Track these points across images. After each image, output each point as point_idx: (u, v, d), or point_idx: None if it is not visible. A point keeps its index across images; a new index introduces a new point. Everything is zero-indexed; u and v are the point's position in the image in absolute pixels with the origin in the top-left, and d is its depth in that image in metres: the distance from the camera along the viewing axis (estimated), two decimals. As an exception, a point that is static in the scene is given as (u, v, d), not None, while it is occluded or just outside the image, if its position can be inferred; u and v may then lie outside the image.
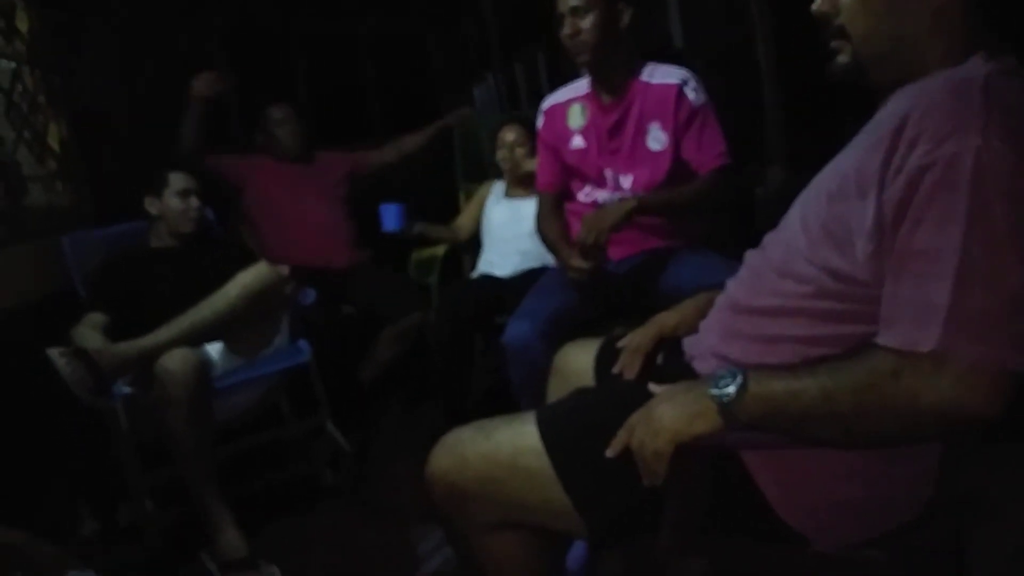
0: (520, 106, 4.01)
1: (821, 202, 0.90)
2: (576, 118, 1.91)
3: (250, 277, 1.91)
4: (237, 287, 1.89)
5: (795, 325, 0.90)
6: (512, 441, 1.01)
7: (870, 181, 0.80)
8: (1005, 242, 0.71)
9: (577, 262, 1.70)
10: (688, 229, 1.95)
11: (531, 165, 2.43)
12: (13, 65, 2.33)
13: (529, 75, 4.03)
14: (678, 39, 2.65)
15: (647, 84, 1.82)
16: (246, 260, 2.02)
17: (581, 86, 1.92)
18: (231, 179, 2.70)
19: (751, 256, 1.05)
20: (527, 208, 2.37)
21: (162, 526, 1.92)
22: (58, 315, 1.98)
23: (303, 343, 2.14)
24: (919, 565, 0.94)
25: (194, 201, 2.13)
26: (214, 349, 1.96)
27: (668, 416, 0.88)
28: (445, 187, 3.17)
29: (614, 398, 1.05)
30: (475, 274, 2.55)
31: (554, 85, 2.07)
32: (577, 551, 1.42)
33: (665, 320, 1.24)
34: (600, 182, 1.90)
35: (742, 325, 0.98)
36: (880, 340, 0.78)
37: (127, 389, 1.87)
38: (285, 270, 2.03)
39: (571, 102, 1.93)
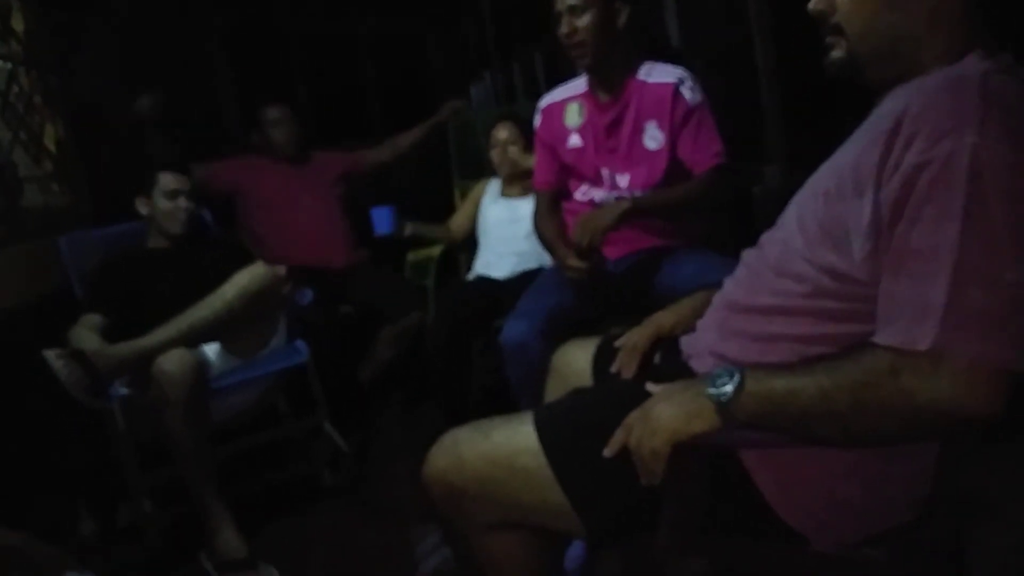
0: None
1: (818, 201, 0.90)
2: (573, 117, 1.91)
3: (247, 277, 1.91)
4: (234, 287, 1.89)
5: (793, 324, 0.90)
6: (510, 441, 1.01)
7: (867, 179, 0.80)
8: (1002, 240, 0.71)
9: (574, 262, 1.70)
10: (686, 228, 1.95)
11: (526, 162, 2.41)
12: (9, 66, 2.33)
13: (526, 74, 4.03)
14: (676, 39, 2.65)
15: (644, 83, 1.81)
16: (243, 260, 2.02)
17: (578, 85, 1.92)
18: (219, 186, 2.68)
19: (748, 255, 1.04)
20: (524, 208, 2.36)
21: (161, 526, 1.92)
22: (55, 316, 1.97)
23: (301, 343, 2.13)
24: (918, 564, 0.94)
25: (183, 202, 2.10)
26: (211, 350, 1.96)
27: (666, 415, 0.88)
28: (440, 184, 3.17)
29: (612, 397, 1.05)
30: (471, 275, 2.53)
31: (551, 84, 2.07)
32: (575, 551, 1.42)
33: (663, 319, 1.25)
34: (597, 181, 1.90)
35: (740, 324, 0.98)
36: (878, 339, 0.77)
37: (124, 390, 1.86)
38: (282, 270, 2.02)
39: (568, 101, 1.93)
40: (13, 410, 1.90)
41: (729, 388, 0.84)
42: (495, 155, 2.55)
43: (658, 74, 1.82)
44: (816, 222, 0.88)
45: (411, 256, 2.90)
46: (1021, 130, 0.73)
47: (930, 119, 0.75)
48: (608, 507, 0.96)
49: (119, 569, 1.86)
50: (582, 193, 1.94)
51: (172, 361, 1.75)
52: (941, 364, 0.72)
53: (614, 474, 0.92)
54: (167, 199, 2.10)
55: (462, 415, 1.86)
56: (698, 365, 1.04)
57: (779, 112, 2.22)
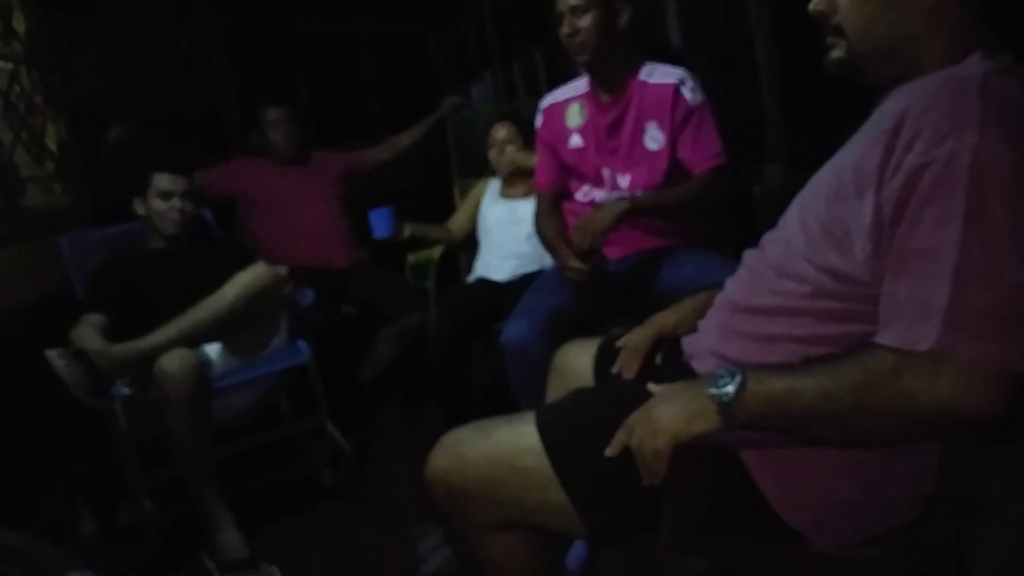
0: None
1: (819, 202, 0.90)
2: (574, 117, 1.91)
3: (248, 278, 1.91)
4: (235, 288, 1.89)
5: (794, 324, 0.90)
6: (511, 441, 1.01)
7: (868, 180, 0.80)
8: (1004, 241, 0.71)
9: (575, 263, 1.71)
10: (687, 229, 1.95)
11: (524, 160, 2.40)
12: (10, 66, 2.33)
13: (527, 75, 4.03)
14: (676, 39, 2.65)
15: (645, 83, 1.82)
16: (244, 261, 2.02)
17: (580, 85, 1.92)
18: (219, 192, 2.67)
19: (750, 256, 1.04)
20: (524, 209, 2.36)
21: (162, 526, 1.92)
22: (57, 316, 1.97)
23: (302, 343, 2.13)
24: (919, 564, 0.94)
25: (177, 203, 2.10)
26: (213, 350, 1.96)
27: (667, 415, 0.88)
28: (439, 184, 3.16)
29: (613, 398, 1.05)
30: (471, 277, 2.53)
31: (552, 84, 2.07)
32: (577, 551, 1.42)
33: (664, 320, 1.25)
34: (598, 181, 1.90)
35: (741, 324, 0.98)
36: (879, 339, 0.77)
37: (126, 390, 1.87)
38: (283, 270, 2.02)
39: (570, 101, 1.93)
40: (14, 410, 1.90)
41: (730, 388, 0.84)
42: (493, 154, 2.54)
43: (659, 75, 1.82)
44: (817, 223, 0.88)
45: (411, 258, 2.89)
46: (1022, 131, 0.73)
47: (931, 120, 0.75)
48: (609, 507, 0.96)
49: (120, 569, 1.86)
50: (583, 194, 1.94)
51: (173, 361, 1.75)
52: (942, 364, 0.72)
53: (615, 474, 0.92)
54: (161, 200, 2.09)
55: (462, 415, 1.86)
56: (699, 365, 1.04)
57: (779, 112, 2.23)
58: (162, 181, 2.10)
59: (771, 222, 1.03)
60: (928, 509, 0.92)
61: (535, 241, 2.08)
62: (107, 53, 3.00)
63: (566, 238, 1.85)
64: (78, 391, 1.72)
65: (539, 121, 2.00)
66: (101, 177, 2.64)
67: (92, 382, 1.74)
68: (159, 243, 2.15)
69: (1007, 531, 1.33)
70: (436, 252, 2.84)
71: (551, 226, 1.94)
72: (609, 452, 0.92)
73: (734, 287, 1.05)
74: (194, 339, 1.85)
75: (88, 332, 1.87)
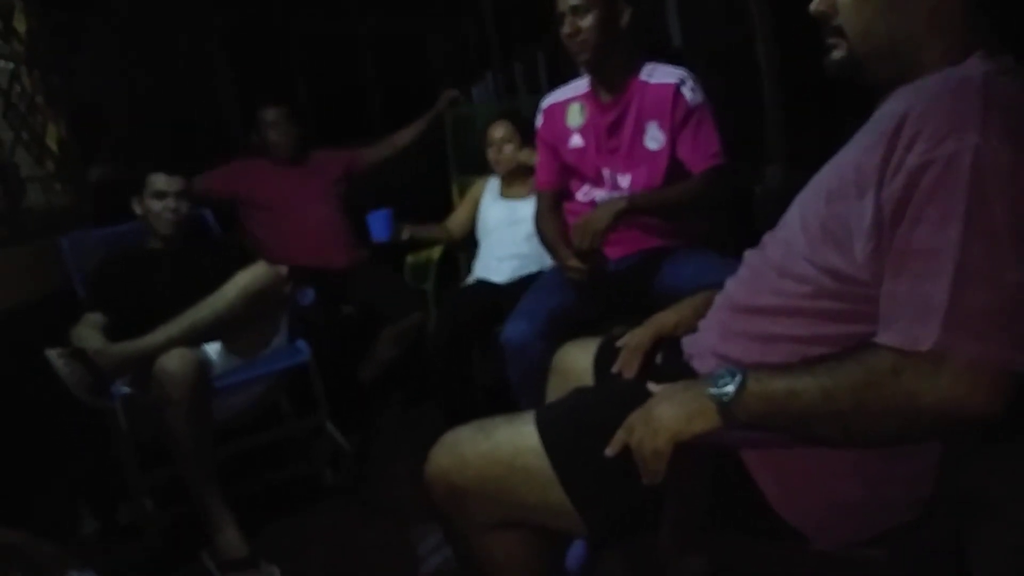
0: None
1: (820, 202, 0.90)
2: (575, 117, 1.91)
3: (249, 277, 1.91)
4: (236, 287, 1.89)
5: (794, 324, 0.90)
6: (511, 440, 1.01)
7: (869, 180, 0.80)
8: (1004, 241, 0.71)
9: (574, 263, 1.71)
10: (687, 228, 1.95)
11: (527, 157, 2.39)
12: (11, 66, 2.33)
13: (528, 74, 4.03)
14: (677, 39, 2.65)
15: (645, 83, 1.82)
16: (245, 260, 2.02)
17: (580, 85, 1.92)
18: (219, 195, 2.67)
19: (750, 256, 1.05)
20: (524, 210, 2.36)
21: (162, 526, 1.92)
22: (57, 315, 1.98)
23: (302, 343, 2.13)
24: (919, 564, 0.94)
25: (171, 203, 2.09)
26: (213, 349, 1.96)
27: (667, 415, 0.88)
28: (438, 182, 3.16)
29: (613, 397, 1.05)
30: (471, 278, 2.51)
31: (553, 84, 2.07)
32: (576, 550, 1.42)
33: (664, 319, 1.25)
34: (598, 181, 1.91)
35: (741, 324, 0.98)
36: (879, 339, 0.77)
37: (126, 389, 1.87)
38: (284, 270, 2.02)
39: (570, 101, 1.93)
40: (15, 409, 1.90)
41: (731, 388, 0.84)
42: (491, 153, 2.53)
43: (660, 74, 1.82)
44: (818, 222, 0.88)
45: (410, 259, 2.87)
46: (1022, 131, 0.73)
47: (932, 120, 0.75)
48: (609, 506, 0.96)
49: (120, 568, 1.86)
50: (584, 193, 1.94)
51: (174, 360, 1.75)
52: (943, 364, 0.72)
53: (616, 474, 0.92)
54: (155, 200, 2.09)
55: (462, 416, 1.86)
56: (700, 365, 1.04)
57: (780, 112, 2.23)
58: (157, 181, 2.10)
59: (771, 222, 1.03)
60: (928, 509, 0.92)
61: (535, 242, 2.08)
62: (107, 53, 3.00)
63: (566, 238, 1.85)
64: (78, 390, 1.72)
65: (539, 121, 2.00)
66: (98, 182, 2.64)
67: (92, 381, 1.74)
68: (157, 243, 2.15)
69: (1007, 531, 1.34)
70: (435, 253, 2.83)
71: (551, 226, 1.94)
72: (609, 451, 0.92)
73: (735, 287, 1.05)
74: (194, 338, 1.85)
75: (88, 331, 1.88)
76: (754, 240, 1.05)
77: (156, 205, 2.10)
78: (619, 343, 1.25)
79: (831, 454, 0.87)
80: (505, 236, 2.46)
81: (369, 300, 2.66)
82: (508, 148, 2.49)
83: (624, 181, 1.86)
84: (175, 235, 2.12)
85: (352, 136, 3.17)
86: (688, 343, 1.12)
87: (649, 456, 0.88)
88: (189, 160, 2.36)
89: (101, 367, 1.75)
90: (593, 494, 0.96)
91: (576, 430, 1.00)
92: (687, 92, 1.78)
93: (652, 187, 1.82)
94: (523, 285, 2.12)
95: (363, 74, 4.57)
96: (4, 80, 2.28)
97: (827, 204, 0.88)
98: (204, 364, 1.85)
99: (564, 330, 1.70)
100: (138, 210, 2.13)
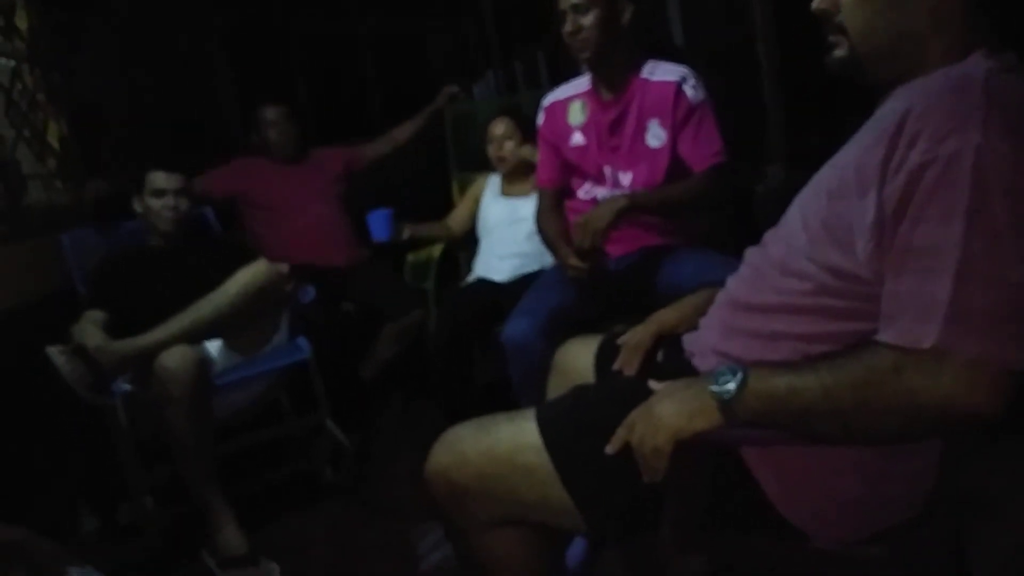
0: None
1: (821, 200, 0.90)
2: (576, 115, 1.91)
3: (249, 275, 1.91)
4: (237, 285, 1.89)
5: (796, 322, 0.90)
6: (512, 438, 1.01)
7: (870, 178, 0.80)
8: (1005, 239, 0.71)
9: (575, 261, 1.71)
10: (688, 227, 1.95)
11: (530, 154, 2.37)
12: (12, 63, 2.33)
13: (529, 73, 4.03)
14: (678, 38, 2.65)
15: (647, 81, 1.82)
16: (245, 259, 2.02)
17: (582, 83, 1.93)
18: (219, 195, 2.67)
19: (752, 254, 1.05)
20: (525, 208, 2.36)
21: (162, 524, 1.92)
22: (58, 313, 1.97)
23: (302, 341, 2.13)
24: (919, 562, 0.94)
25: (170, 200, 2.09)
26: (213, 347, 1.96)
27: (668, 413, 0.88)
28: (438, 180, 3.15)
29: (614, 395, 1.05)
30: (471, 277, 2.51)
31: (554, 82, 2.07)
32: (576, 548, 1.42)
33: (665, 317, 1.25)
34: (600, 179, 1.91)
35: (743, 322, 0.98)
36: (881, 337, 0.77)
37: (127, 387, 1.87)
38: (285, 267, 2.03)
39: (572, 99, 1.93)
40: (15, 407, 1.90)
41: (732, 386, 0.84)
42: (492, 150, 2.52)
43: (661, 72, 1.82)
44: (819, 221, 0.88)
45: (411, 257, 2.87)
46: (1024, 129, 0.73)
47: (934, 118, 0.75)
48: (610, 504, 0.96)
49: (120, 566, 1.86)
50: (585, 191, 1.94)
51: (174, 358, 1.75)
52: (944, 362, 0.72)
53: (616, 471, 0.92)
54: (154, 198, 2.09)
55: (463, 414, 1.86)
56: (701, 363, 1.04)
57: (781, 111, 2.23)
58: (156, 179, 2.10)
59: (772, 221, 1.03)
60: (929, 507, 0.92)
61: (536, 240, 2.08)
62: (107, 53, 2.99)
63: (567, 236, 1.85)
64: (79, 387, 1.72)
65: (541, 119, 2.00)
66: (103, 174, 2.63)
67: (93, 378, 1.74)
68: (157, 241, 2.15)
69: (1008, 530, 1.33)
70: (436, 251, 2.83)
71: (552, 224, 1.94)
72: (610, 449, 0.92)
73: (736, 285, 1.05)
74: (195, 335, 1.85)
75: (89, 328, 1.87)
76: (755, 239, 1.05)
77: (156, 203, 2.10)
78: (620, 341, 1.25)
79: (831, 452, 0.87)
80: (506, 234, 2.46)
81: (369, 298, 2.66)
82: (509, 145, 2.48)
83: (625, 179, 1.86)
84: (175, 233, 2.12)
85: (352, 136, 3.16)
86: (689, 341, 1.12)
87: (650, 454, 0.88)
88: (189, 160, 2.36)
89: (102, 364, 1.75)
90: (593, 492, 0.96)
91: (577, 428, 1.00)
92: (689, 90, 1.78)
93: (653, 185, 1.82)
94: (524, 284, 2.12)
95: (363, 74, 4.57)
96: (5, 78, 2.28)
97: (828, 202, 0.88)
98: (205, 361, 1.85)
99: (565, 328, 1.69)
100: (138, 208, 2.13)
